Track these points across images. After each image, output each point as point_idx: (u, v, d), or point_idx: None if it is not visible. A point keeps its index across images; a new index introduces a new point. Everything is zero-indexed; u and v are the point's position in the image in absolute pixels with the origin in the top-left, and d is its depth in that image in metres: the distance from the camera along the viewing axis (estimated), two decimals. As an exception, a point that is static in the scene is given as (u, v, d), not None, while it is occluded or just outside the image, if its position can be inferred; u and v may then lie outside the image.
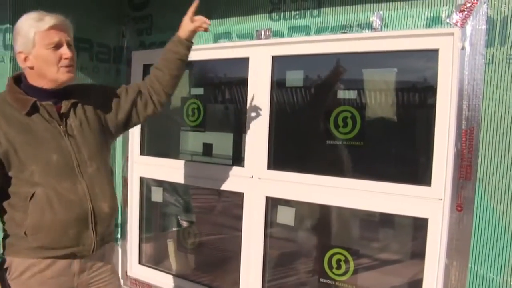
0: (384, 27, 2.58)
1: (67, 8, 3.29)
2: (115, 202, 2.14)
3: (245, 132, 3.10)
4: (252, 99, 3.03)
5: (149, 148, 3.77)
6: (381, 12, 2.59)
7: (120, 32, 3.80)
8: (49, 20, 1.95)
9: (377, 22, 2.59)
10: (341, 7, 2.73)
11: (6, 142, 1.86)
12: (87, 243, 1.99)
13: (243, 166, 3.12)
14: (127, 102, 2.29)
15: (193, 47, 3.29)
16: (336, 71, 2.92)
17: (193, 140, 3.75)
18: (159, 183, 3.77)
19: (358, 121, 2.73)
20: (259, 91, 3.00)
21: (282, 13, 2.93)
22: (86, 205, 1.96)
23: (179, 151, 3.87)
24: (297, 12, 2.87)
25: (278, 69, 2.98)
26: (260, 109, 2.99)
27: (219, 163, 3.52)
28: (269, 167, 3.00)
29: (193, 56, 3.33)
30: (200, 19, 2.38)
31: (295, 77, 3.00)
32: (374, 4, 2.61)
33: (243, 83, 3.13)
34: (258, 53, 3.00)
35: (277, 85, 3.00)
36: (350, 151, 2.82)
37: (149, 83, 2.38)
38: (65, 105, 2.02)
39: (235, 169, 3.17)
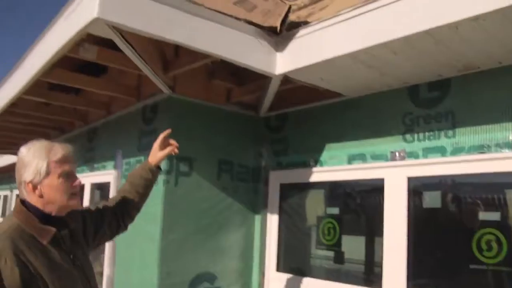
0: (526, 145, 2.51)
1: (210, 134, 3.69)
2: None
3: (381, 252, 3.05)
4: (389, 219, 3.01)
5: (284, 263, 3.83)
6: (521, 129, 2.53)
7: (258, 153, 4.05)
8: (60, 150, 2.00)
9: (517, 141, 2.53)
10: (477, 127, 2.71)
11: (36, 276, 1.79)
12: None
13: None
14: (104, 226, 2.33)
15: (327, 168, 3.43)
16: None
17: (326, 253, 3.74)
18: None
19: (504, 244, 2.57)
20: (395, 212, 2.97)
21: (415, 135, 2.97)
22: None
23: (312, 261, 3.88)
24: (431, 133, 2.89)
25: (414, 189, 2.96)
26: (397, 231, 2.94)
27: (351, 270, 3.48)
28: (407, 290, 2.89)
29: (328, 177, 3.46)
30: (171, 145, 2.51)
31: (432, 198, 2.95)
32: (513, 122, 2.57)
33: (378, 203, 3.13)
34: (393, 174, 3.02)
35: (414, 205, 2.96)
36: (496, 277, 2.64)
37: (120, 206, 2.41)
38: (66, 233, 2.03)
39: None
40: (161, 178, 3.45)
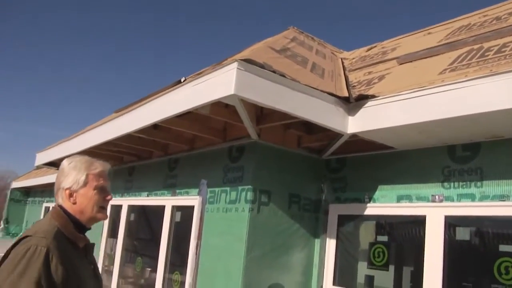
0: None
1: (284, 173, 4.62)
2: None
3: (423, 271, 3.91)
4: (429, 246, 3.88)
5: (340, 279, 4.69)
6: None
7: (320, 189, 4.98)
8: (99, 166, 2.21)
9: (531, 193, 3.42)
10: (500, 181, 3.59)
11: (72, 277, 1.93)
12: None
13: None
14: None
15: (379, 204, 4.34)
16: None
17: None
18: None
19: (519, 270, 3.43)
20: (434, 241, 3.84)
21: (452, 183, 3.87)
22: None
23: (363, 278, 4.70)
24: (464, 183, 3.79)
25: (449, 225, 3.83)
26: (435, 255, 3.80)
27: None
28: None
29: (380, 211, 4.36)
30: None
31: (463, 232, 3.81)
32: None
33: (420, 233, 4.01)
34: (433, 212, 3.92)
35: (449, 237, 3.82)
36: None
37: None
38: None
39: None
40: (247, 206, 4.41)
